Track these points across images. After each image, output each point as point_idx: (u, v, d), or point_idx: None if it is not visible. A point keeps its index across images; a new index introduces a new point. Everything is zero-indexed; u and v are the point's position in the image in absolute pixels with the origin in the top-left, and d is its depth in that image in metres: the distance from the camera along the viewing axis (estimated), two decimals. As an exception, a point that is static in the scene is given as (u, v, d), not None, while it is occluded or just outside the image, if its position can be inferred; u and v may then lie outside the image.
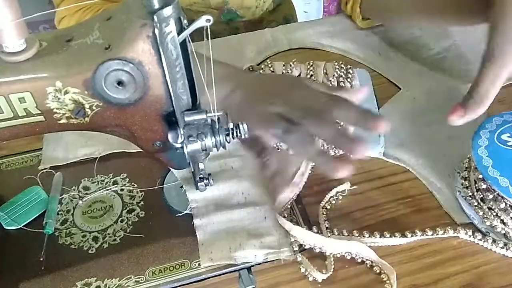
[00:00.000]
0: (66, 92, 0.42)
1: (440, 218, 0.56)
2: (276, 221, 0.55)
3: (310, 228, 0.54)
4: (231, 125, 0.48)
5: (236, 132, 0.48)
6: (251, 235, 0.54)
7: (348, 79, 0.69)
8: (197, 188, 0.56)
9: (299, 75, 0.71)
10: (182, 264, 0.53)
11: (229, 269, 0.52)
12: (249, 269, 0.52)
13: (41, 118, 0.44)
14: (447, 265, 0.52)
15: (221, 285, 0.52)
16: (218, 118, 0.47)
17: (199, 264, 0.52)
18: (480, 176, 0.53)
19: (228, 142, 0.48)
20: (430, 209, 0.57)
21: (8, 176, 0.62)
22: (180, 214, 0.57)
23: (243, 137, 0.48)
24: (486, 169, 0.51)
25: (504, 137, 0.54)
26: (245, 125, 0.48)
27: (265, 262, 0.53)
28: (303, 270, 0.52)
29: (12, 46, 0.40)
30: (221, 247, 0.53)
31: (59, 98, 0.43)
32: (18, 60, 0.40)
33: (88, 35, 0.43)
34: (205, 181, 0.55)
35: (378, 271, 0.52)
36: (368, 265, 0.52)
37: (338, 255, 0.53)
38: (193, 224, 0.55)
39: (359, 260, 0.53)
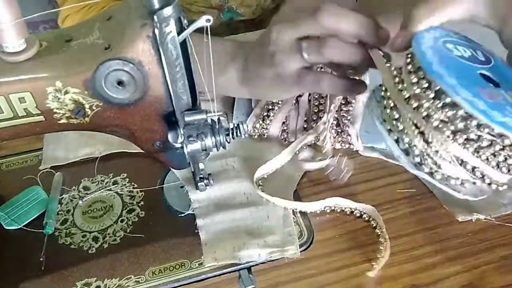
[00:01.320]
0: (66, 92, 0.42)
1: (441, 216, 0.56)
2: (279, 220, 0.56)
3: (310, 229, 0.54)
4: (231, 125, 0.48)
5: (236, 132, 0.48)
6: (254, 234, 0.54)
7: None
8: (197, 188, 0.56)
9: None
10: (182, 264, 0.53)
11: (229, 269, 0.52)
12: (249, 269, 0.52)
13: (41, 118, 0.44)
14: (447, 265, 0.52)
15: (221, 285, 0.52)
16: (218, 118, 0.47)
17: (199, 264, 0.52)
18: (417, 78, 0.42)
19: (228, 142, 0.48)
20: (430, 208, 0.57)
21: (8, 176, 0.62)
22: (183, 215, 0.57)
23: (243, 137, 0.48)
24: (431, 65, 0.41)
25: (449, 46, 0.45)
26: (245, 125, 0.48)
27: (265, 262, 0.53)
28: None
29: (12, 46, 0.40)
30: (224, 246, 0.53)
31: (59, 98, 0.43)
32: (18, 60, 0.40)
33: (88, 35, 0.43)
34: (205, 181, 0.55)
35: (367, 219, 0.56)
36: (356, 215, 0.56)
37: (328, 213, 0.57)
38: (195, 224, 0.55)
39: (348, 212, 0.57)
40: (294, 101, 0.67)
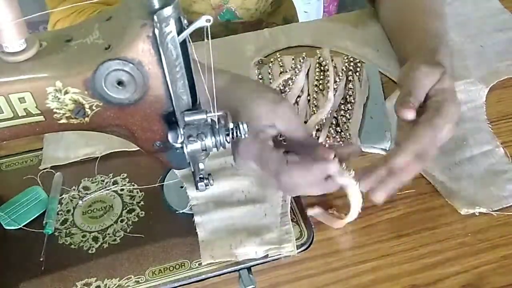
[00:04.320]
0: (66, 92, 0.42)
1: (441, 217, 0.56)
2: (276, 218, 0.55)
3: (310, 229, 0.54)
4: (231, 125, 0.48)
5: (236, 132, 0.48)
6: (252, 232, 0.54)
7: (357, 73, 0.70)
8: (197, 188, 0.56)
9: (308, 69, 0.72)
10: (182, 264, 0.53)
11: (229, 269, 0.52)
12: (249, 269, 0.52)
13: (41, 118, 0.44)
14: (447, 265, 0.52)
15: (221, 285, 0.52)
16: (218, 118, 0.47)
17: (199, 264, 0.52)
18: None
19: (228, 142, 0.48)
20: (430, 208, 0.57)
21: (8, 176, 0.62)
22: (180, 211, 0.57)
23: (243, 137, 0.48)
24: None
25: None
26: (245, 125, 0.48)
27: (265, 262, 0.53)
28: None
29: (12, 46, 0.40)
30: (221, 244, 0.53)
31: (59, 98, 0.43)
32: (18, 60, 0.40)
33: (88, 35, 0.43)
34: (205, 181, 0.55)
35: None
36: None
37: None
38: (193, 222, 0.55)
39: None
40: (294, 102, 0.67)
